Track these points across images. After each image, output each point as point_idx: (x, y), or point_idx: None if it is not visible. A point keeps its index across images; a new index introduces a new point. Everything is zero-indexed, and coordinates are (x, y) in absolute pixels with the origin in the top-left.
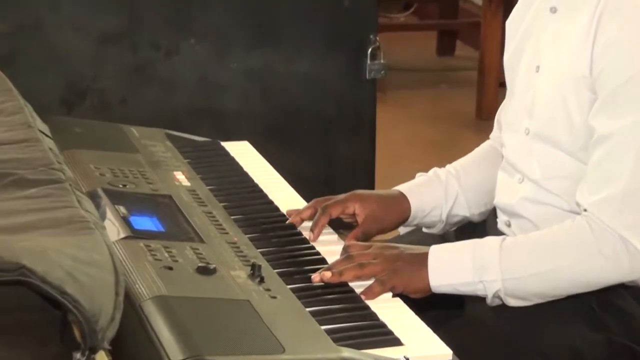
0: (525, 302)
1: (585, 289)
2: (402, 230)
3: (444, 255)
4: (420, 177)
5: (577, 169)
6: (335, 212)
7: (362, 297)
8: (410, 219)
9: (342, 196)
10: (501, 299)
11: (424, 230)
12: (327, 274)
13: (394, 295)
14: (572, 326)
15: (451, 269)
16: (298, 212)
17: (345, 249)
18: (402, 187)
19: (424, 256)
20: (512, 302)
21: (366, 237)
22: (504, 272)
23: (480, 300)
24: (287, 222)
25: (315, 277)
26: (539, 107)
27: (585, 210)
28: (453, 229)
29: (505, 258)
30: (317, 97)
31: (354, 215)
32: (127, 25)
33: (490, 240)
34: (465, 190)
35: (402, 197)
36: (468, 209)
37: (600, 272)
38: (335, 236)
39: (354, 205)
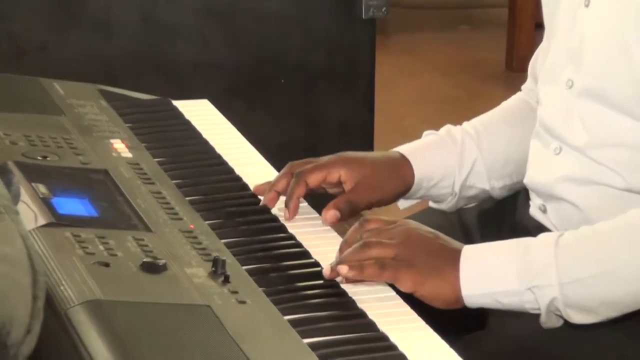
0: (593, 317)
1: None
2: (402, 204)
3: (481, 254)
4: (428, 136)
5: (636, 133)
6: (314, 180)
7: (344, 268)
8: (413, 190)
9: (324, 159)
10: (560, 313)
11: (431, 204)
12: (344, 268)
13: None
14: (618, 336)
15: (490, 272)
16: (270, 184)
17: (362, 224)
18: (404, 149)
19: (456, 254)
20: (576, 318)
21: (353, 209)
22: (561, 273)
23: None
24: (261, 202)
25: (327, 271)
26: (589, 53)
27: None
28: (468, 205)
29: (564, 255)
30: (297, 41)
31: (339, 183)
32: None
33: (542, 235)
34: (485, 155)
35: (403, 161)
36: (488, 180)
37: None
38: (323, 224)
39: (340, 170)
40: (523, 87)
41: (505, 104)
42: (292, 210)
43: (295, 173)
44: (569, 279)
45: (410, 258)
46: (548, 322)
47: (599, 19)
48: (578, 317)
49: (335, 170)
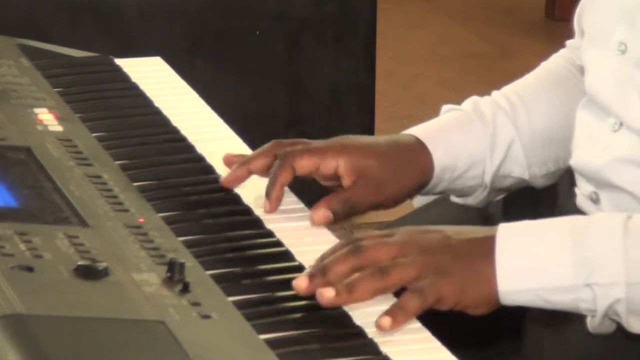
0: None
1: None
2: (419, 201)
3: (523, 239)
4: (449, 112)
5: None
6: (304, 166)
7: (386, 321)
8: (432, 183)
9: (319, 143)
10: (617, 320)
11: (453, 199)
12: (329, 293)
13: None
14: None
15: (537, 262)
16: (245, 159)
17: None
18: (419, 131)
19: (489, 242)
20: (638, 326)
21: (350, 210)
22: (630, 270)
23: (552, 319)
24: (222, 180)
25: (301, 284)
26: None
27: None
28: (499, 197)
29: (635, 247)
30: None
31: (335, 175)
32: None
33: (604, 217)
34: (524, 136)
35: (419, 148)
36: (528, 166)
37: None
38: (306, 212)
39: (337, 159)
40: (568, 43)
41: (545, 66)
42: (274, 201)
43: (281, 154)
44: (639, 279)
45: (437, 268)
46: (600, 327)
47: None
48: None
49: (332, 158)
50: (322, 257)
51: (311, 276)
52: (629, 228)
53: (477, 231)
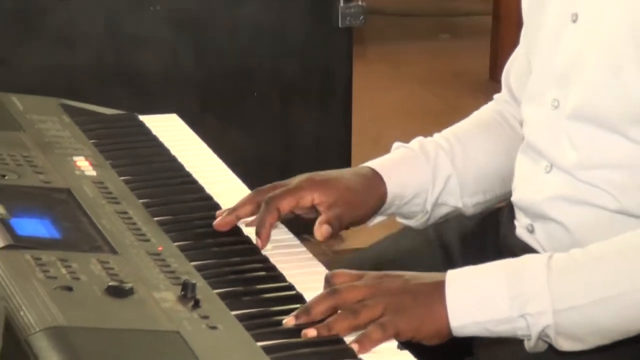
0: (583, 345)
1: None
2: (371, 221)
3: (468, 281)
4: (399, 149)
5: (630, 153)
6: (285, 206)
7: (355, 346)
8: (384, 207)
9: (293, 183)
10: (548, 341)
11: (399, 220)
12: (312, 333)
13: (401, 346)
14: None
15: (479, 300)
16: (232, 208)
17: (327, 280)
18: (376, 164)
19: (439, 286)
20: (565, 345)
21: (340, 224)
22: (555, 300)
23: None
24: (215, 223)
25: (289, 322)
26: (576, 70)
27: None
28: (438, 221)
29: (557, 281)
30: (270, 52)
31: (312, 207)
32: None
33: (530, 258)
34: (459, 172)
35: (376, 177)
36: (461, 197)
37: None
38: (298, 245)
39: (312, 194)
40: (495, 96)
41: (477, 114)
42: (264, 239)
43: (266, 199)
44: (563, 306)
45: (398, 306)
46: (535, 347)
47: (587, 35)
48: (567, 345)
49: (308, 194)
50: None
51: (297, 316)
52: (550, 266)
53: (430, 277)
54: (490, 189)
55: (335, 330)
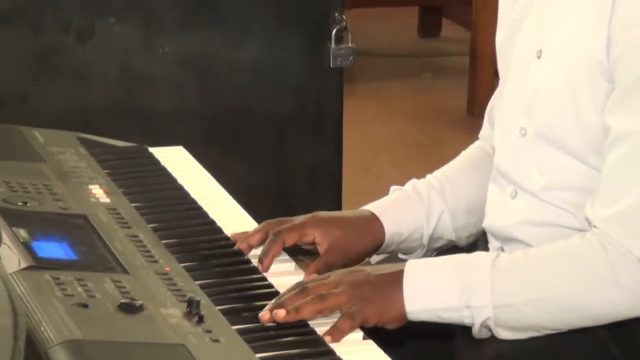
0: (519, 335)
1: (594, 322)
2: (374, 258)
3: (424, 273)
4: (395, 192)
5: (588, 177)
6: (290, 240)
7: (328, 338)
8: (384, 246)
9: (299, 219)
10: (490, 330)
11: (401, 256)
12: (281, 312)
13: (367, 336)
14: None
15: (432, 289)
16: (245, 236)
17: (298, 284)
18: (374, 207)
19: (399, 275)
20: (503, 334)
21: (329, 269)
22: (495, 296)
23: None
24: (236, 246)
25: (265, 315)
26: (541, 101)
27: (595, 226)
28: (435, 254)
29: (498, 279)
30: (268, 90)
31: (313, 243)
32: (26, 2)
33: (480, 256)
34: (451, 207)
35: (373, 220)
36: (454, 231)
37: (614, 304)
38: (292, 264)
39: (314, 232)
40: (480, 134)
41: (464, 154)
42: (265, 267)
43: (274, 232)
44: (502, 302)
45: (361, 296)
46: (479, 334)
47: (550, 70)
48: (505, 334)
49: (310, 231)
50: (279, 297)
51: (271, 309)
52: (495, 265)
53: (390, 267)
54: (480, 220)
55: (303, 313)
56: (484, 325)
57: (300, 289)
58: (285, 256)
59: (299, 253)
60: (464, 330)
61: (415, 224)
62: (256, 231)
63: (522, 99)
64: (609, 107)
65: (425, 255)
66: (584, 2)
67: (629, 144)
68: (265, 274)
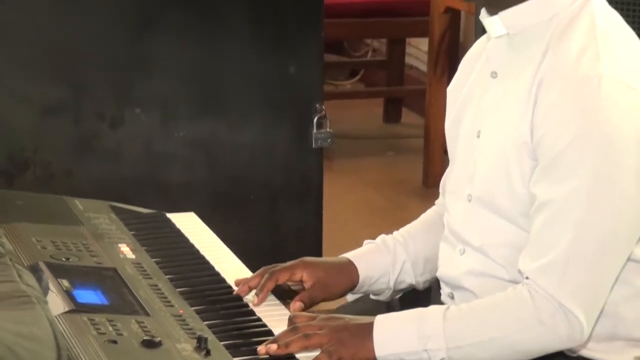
0: None
1: (525, 356)
2: (350, 297)
3: (389, 324)
4: (367, 244)
5: (519, 237)
6: (282, 278)
7: None
8: (358, 287)
9: (289, 263)
10: None
11: (372, 297)
12: (273, 347)
13: None
14: None
15: (396, 338)
16: (246, 280)
17: (291, 320)
18: (350, 255)
19: (370, 326)
20: None
21: (312, 302)
22: (447, 340)
23: None
24: (235, 292)
25: (261, 350)
26: (480, 172)
27: (527, 277)
28: (399, 295)
29: (449, 327)
30: (263, 166)
31: (301, 282)
32: (70, 96)
33: (434, 309)
34: (412, 258)
35: (350, 265)
36: (414, 276)
37: (538, 340)
38: (283, 310)
39: (302, 272)
40: (436, 202)
41: (423, 217)
42: (261, 299)
43: (269, 272)
44: (453, 345)
45: (340, 340)
46: None
47: (487, 146)
48: None
49: (299, 271)
50: (277, 337)
51: (267, 346)
52: (446, 316)
53: (364, 319)
54: (435, 269)
55: (291, 347)
56: None
57: (291, 328)
58: (276, 300)
59: (288, 297)
60: None
61: (383, 270)
62: (255, 276)
63: (467, 171)
64: (534, 179)
65: (392, 295)
66: (514, 94)
67: (551, 209)
68: (260, 315)
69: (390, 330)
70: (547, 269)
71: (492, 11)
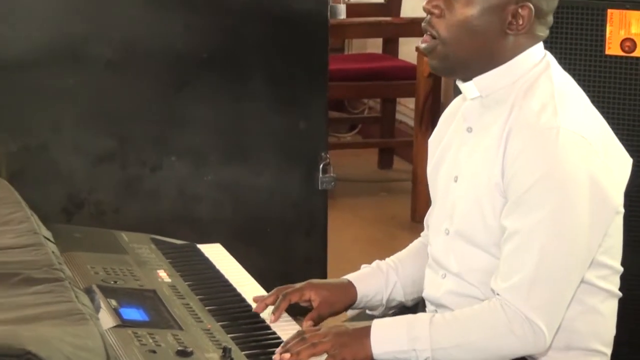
0: None
1: (497, 359)
2: (350, 312)
3: (384, 327)
4: (364, 268)
5: (491, 263)
6: (294, 298)
7: None
8: (356, 303)
9: (299, 285)
10: None
11: (367, 312)
12: (286, 356)
13: None
14: None
15: (390, 338)
16: (263, 298)
17: (299, 333)
18: (350, 277)
19: (368, 328)
20: None
21: (320, 319)
22: (432, 342)
23: None
24: (253, 309)
25: (276, 358)
26: (458, 210)
27: (498, 294)
28: (391, 312)
29: (434, 331)
30: (278, 204)
31: (309, 300)
32: (118, 146)
33: (423, 315)
34: (401, 279)
35: (350, 285)
36: (404, 295)
37: (510, 347)
38: (294, 324)
39: (310, 292)
40: (421, 234)
41: (411, 246)
42: (277, 317)
43: (283, 293)
44: (437, 347)
45: (342, 343)
46: None
47: (463, 188)
48: None
49: (307, 292)
50: (286, 343)
51: (280, 353)
52: (432, 321)
53: (362, 324)
54: (421, 289)
55: (302, 355)
56: None
57: (300, 338)
58: (288, 318)
59: (298, 314)
60: None
61: (377, 289)
62: (270, 294)
63: (445, 210)
64: (504, 213)
65: (385, 311)
66: (487, 144)
67: (519, 237)
68: (275, 329)
69: (385, 331)
70: (516, 288)
71: (467, 78)
